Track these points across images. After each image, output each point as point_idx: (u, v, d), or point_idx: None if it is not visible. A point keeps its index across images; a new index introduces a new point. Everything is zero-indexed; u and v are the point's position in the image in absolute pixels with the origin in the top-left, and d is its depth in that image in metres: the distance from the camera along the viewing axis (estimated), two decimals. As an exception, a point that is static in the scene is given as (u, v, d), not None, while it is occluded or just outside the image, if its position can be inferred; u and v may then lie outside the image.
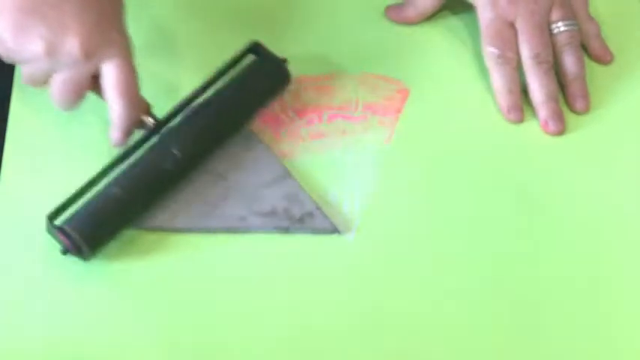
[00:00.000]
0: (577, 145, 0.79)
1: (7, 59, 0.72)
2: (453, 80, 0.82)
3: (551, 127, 0.79)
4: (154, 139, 0.75)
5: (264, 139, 0.78)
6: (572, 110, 0.80)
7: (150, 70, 0.75)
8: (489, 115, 0.80)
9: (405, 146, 0.78)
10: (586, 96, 0.81)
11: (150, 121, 0.74)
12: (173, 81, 0.80)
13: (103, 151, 0.75)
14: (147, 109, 0.74)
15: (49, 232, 0.71)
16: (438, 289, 0.72)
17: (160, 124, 0.75)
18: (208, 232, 0.74)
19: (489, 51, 0.80)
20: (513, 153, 0.79)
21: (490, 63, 0.80)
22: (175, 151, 0.74)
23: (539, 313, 0.71)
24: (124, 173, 0.73)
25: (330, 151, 0.77)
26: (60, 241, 0.71)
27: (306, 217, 0.74)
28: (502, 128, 0.80)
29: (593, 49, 0.83)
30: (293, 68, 0.79)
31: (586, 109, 0.80)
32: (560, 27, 0.81)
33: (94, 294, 0.71)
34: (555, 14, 0.81)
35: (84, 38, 0.69)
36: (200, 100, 0.76)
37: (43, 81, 0.72)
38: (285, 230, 0.74)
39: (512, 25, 0.80)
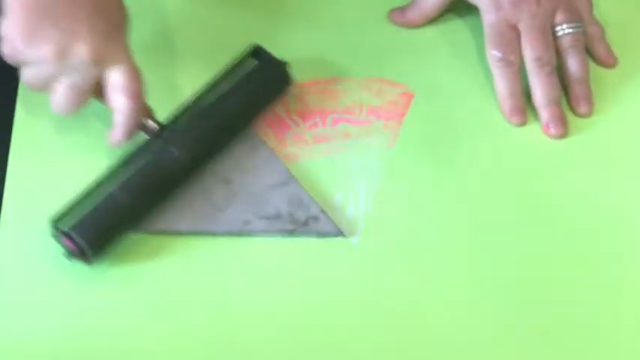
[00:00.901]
0: (581, 148, 0.79)
1: (12, 60, 0.72)
2: (457, 83, 0.82)
3: (552, 130, 0.79)
4: (157, 143, 0.75)
5: (268, 142, 0.78)
6: (576, 113, 0.80)
7: (151, 73, 0.75)
8: (493, 118, 0.80)
9: (409, 150, 0.78)
10: (589, 99, 0.81)
11: (153, 125, 0.75)
12: (174, 83, 0.80)
13: (106, 154, 0.75)
14: (150, 114, 0.75)
15: (54, 236, 0.72)
16: (443, 292, 0.72)
17: (162, 128, 0.75)
18: (213, 235, 0.74)
19: (492, 54, 0.80)
20: (518, 156, 0.78)
21: (493, 66, 0.80)
22: (179, 155, 0.74)
23: (542, 315, 0.71)
24: (128, 177, 0.73)
25: (334, 155, 0.77)
26: (64, 246, 0.71)
27: (311, 220, 0.74)
28: (506, 131, 0.80)
29: (597, 52, 0.83)
30: (297, 72, 0.79)
31: (589, 112, 0.80)
32: (564, 29, 0.81)
33: (98, 297, 0.72)
34: (560, 16, 0.81)
35: (94, 44, 0.71)
36: (202, 103, 0.77)
37: (45, 85, 0.72)
38: (290, 234, 0.74)
39: (515, 28, 0.80)
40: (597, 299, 0.72)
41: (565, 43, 0.81)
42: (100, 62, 0.71)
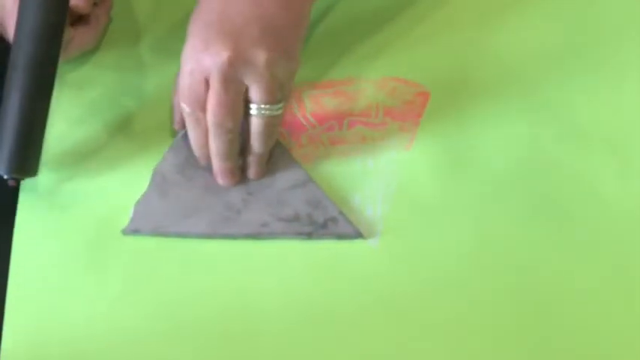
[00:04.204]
0: (594, 153, 0.77)
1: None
2: (473, 83, 0.80)
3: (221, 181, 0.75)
4: None
5: (284, 143, 0.78)
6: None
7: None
8: (512, 118, 0.79)
9: (427, 151, 0.77)
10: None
11: None
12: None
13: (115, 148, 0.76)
14: None
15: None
16: (463, 294, 0.72)
17: None
18: (231, 238, 0.74)
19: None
20: (537, 157, 0.77)
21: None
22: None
23: (567, 320, 0.71)
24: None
25: (351, 157, 0.77)
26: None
27: (330, 222, 0.74)
28: (525, 131, 0.78)
29: None
30: (312, 72, 0.79)
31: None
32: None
33: (111, 301, 0.73)
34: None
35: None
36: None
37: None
38: (309, 236, 0.74)
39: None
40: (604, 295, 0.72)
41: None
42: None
